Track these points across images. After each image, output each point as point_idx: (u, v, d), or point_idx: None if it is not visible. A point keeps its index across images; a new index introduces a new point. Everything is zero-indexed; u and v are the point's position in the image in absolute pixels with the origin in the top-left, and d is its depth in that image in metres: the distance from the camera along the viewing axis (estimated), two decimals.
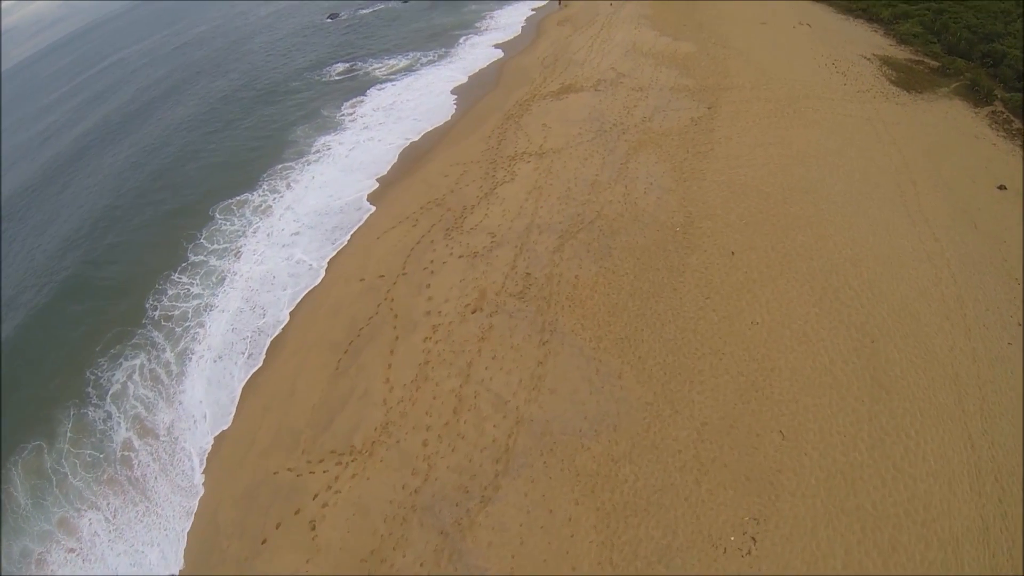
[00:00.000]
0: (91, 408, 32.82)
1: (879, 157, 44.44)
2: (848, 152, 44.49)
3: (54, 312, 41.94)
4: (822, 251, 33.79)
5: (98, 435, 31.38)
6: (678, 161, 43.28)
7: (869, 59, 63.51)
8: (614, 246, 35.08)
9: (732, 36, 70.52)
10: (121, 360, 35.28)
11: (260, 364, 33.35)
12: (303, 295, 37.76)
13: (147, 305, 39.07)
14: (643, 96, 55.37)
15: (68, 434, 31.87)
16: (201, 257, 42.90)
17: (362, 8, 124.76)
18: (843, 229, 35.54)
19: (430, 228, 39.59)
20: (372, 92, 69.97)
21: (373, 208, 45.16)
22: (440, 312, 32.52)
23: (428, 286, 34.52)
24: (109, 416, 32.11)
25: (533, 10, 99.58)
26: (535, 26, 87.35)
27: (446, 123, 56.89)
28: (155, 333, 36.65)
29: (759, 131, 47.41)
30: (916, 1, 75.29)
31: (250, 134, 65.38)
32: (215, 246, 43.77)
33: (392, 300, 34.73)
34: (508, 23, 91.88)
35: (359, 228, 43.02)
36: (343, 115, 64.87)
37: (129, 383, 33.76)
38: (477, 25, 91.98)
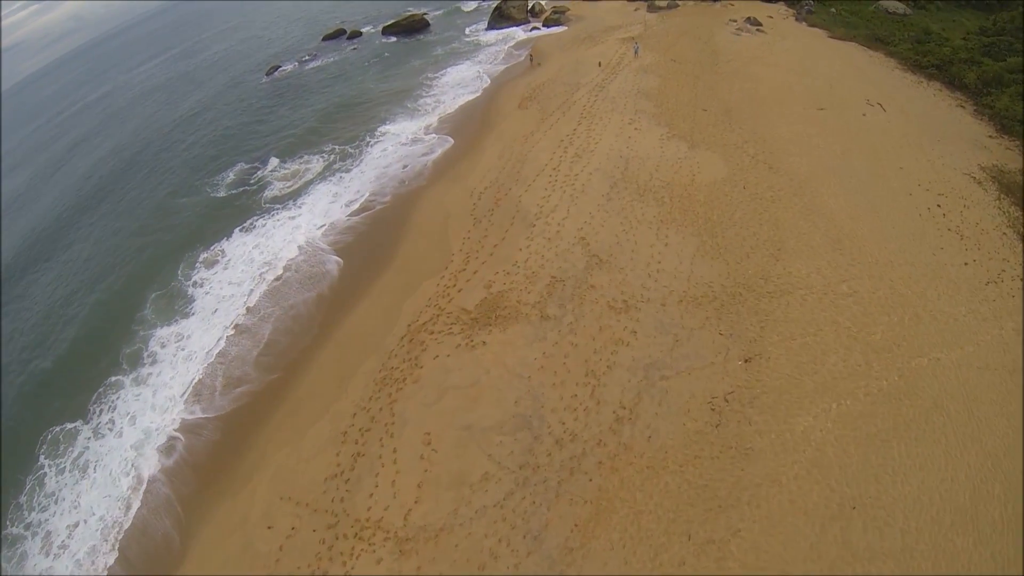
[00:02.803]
0: None
1: None
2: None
3: None
4: None
5: None
6: None
7: (979, 180, 38.35)
8: None
9: (779, 140, 44.88)
10: None
11: None
12: None
13: None
14: (629, 328, 29.77)
15: None
16: (19, 530, 33.49)
17: (310, 60, 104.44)
18: None
19: None
20: (238, 237, 50.18)
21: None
22: None
23: None
24: None
25: (515, 50, 76.26)
26: (489, 100, 64.24)
27: (296, 349, 36.18)
28: None
29: (838, 454, 22.17)
30: (1001, 53, 53.67)
31: (102, 313, 48.39)
32: (31, 515, 34.48)
33: None
34: (456, 93, 69.22)
35: None
36: (195, 283, 46.19)
37: None
38: (415, 104, 69.29)
